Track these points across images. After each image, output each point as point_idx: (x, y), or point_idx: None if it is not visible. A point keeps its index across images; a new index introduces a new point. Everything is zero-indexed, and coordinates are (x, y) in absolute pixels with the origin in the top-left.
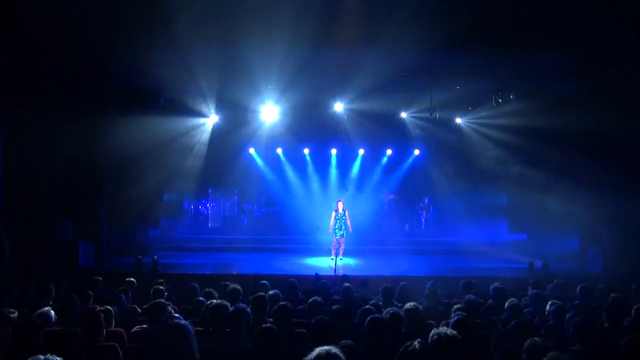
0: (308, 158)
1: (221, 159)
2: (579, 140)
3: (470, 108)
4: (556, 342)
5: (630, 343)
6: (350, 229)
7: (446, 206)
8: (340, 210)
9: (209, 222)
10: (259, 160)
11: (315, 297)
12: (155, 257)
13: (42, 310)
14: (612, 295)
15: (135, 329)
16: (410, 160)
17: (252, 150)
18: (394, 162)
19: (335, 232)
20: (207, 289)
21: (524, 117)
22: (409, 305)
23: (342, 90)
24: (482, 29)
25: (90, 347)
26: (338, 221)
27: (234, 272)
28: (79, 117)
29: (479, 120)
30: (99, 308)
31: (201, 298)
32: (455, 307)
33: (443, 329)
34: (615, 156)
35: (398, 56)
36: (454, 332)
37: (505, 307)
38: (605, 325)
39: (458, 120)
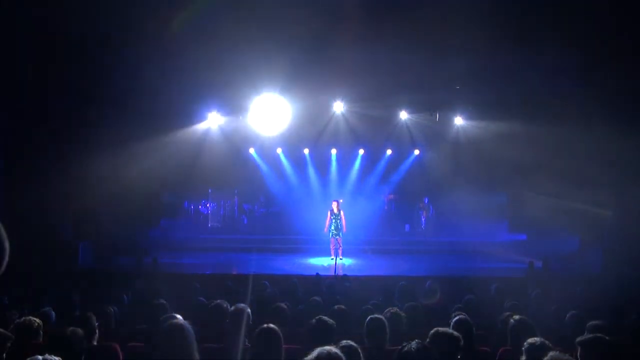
0: (308, 158)
1: (221, 159)
2: (579, 140)
3: (470, 108)
4: (556, 342)
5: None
6: (345, 229)
7: (446, 206)
8: (336, 211)
9: (209, 222)
10: (259, 160)
11: (315, 297)
12: (155, 257)
13: (42, 310)
14: (612, 295)
15: (135, 329)
16: (410, 160)
17: (252, 150)
18: (394, 162)
19: (332, 232)
20: (207, 289)
21: (524, 117)
22: (409, 304)
23: (343, 90)
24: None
25: (90, 347)
26: (333, 221)
27: (234, 272)
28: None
29: (479, 120)
30: (98, 308)
31: (201, 298)
32: (455, 307)
33: (442, 329)
34: (614, 156)
35: (398, 56)
36: (453, 331)
37: (505, 307)
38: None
39: (458, 120)
